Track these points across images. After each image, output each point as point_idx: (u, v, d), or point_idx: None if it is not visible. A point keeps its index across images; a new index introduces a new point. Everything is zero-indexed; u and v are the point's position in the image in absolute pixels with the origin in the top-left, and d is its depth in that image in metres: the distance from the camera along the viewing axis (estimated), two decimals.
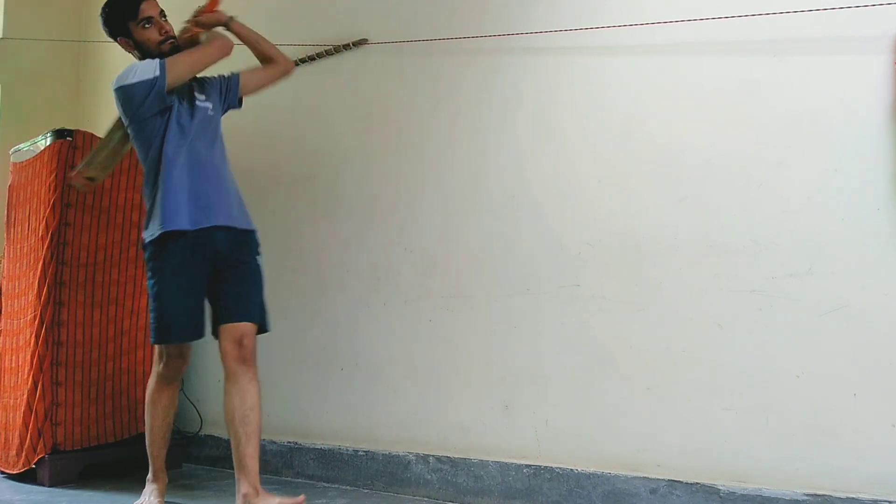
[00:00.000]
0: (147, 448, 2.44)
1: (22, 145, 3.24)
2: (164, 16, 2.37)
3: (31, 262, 2.97)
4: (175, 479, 2.91)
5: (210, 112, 2.38)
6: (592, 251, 2.37)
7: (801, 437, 1.99)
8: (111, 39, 2.40)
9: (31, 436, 2.80)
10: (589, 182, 2.40)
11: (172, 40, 2.34)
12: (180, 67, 2.26)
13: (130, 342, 3.10)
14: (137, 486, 2.52)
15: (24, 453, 2.83)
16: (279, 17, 3.27)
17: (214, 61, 2.36)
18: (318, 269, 3.03)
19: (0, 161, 3.62)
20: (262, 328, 2.33)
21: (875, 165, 1.96)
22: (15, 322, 3.04)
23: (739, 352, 2.10)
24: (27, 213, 3.08)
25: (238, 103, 2.54)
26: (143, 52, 2.34)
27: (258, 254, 2.38)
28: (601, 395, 2.31)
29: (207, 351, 3.37)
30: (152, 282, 2.25)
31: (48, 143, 3.01)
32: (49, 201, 2.92)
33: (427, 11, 2.82)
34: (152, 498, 2.39)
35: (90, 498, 2.60)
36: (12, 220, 3.20)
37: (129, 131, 2.35)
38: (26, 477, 2.86)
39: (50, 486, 2.77)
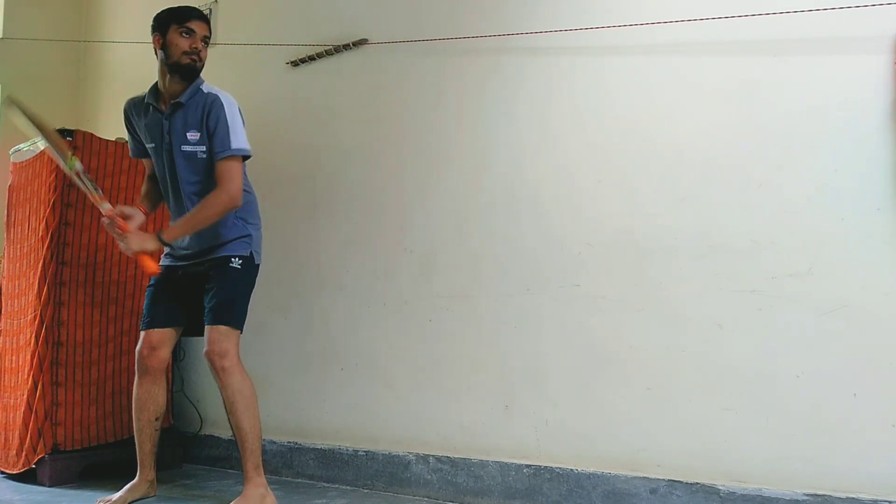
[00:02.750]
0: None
1: (22, 145, 3.24)
2: (207, 43, 2.45)
3: (32, 262, 2.97)
4: (175, 479, 2.91)
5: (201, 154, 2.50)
6: (592, 251, 2.37)
7: (801, 437, 1.99)
8: (151, 32, 2.49)
9: (31, 436, 2.80)
10: (589, 182, 2.40)
11: (195, 59, 2.41)
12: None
13: (130, 342, 3.09)
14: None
15: (24, 453, 2.82)
16: (279, 17, 3.27)
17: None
18: (318, 269, 3.03)
19: (0, 161, 3.62)
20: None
21: (875, 165, 1.96)
22: (15, 322, 3.04)
23: (739, 352, 2.10)
24: (27, 213, 3.08)
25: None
26: (167, 54, 2.42)
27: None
28: (601, 395, 2.31)
29: None
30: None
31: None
32: (49, 201, 2.92)
33: (427, 11, 2.82)
34: None
35: (90, 498, 2.60)
36: (12, 220, 3.20)
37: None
38: (26, 477, 2.86)
39: (50, 486, 2.77)
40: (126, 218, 2.37)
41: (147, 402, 2.49)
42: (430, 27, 2.79)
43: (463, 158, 2.68)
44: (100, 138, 3.08)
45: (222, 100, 2.39)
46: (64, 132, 2.98)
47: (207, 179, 2.39)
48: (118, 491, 2.50)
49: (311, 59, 3.09)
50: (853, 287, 1.96)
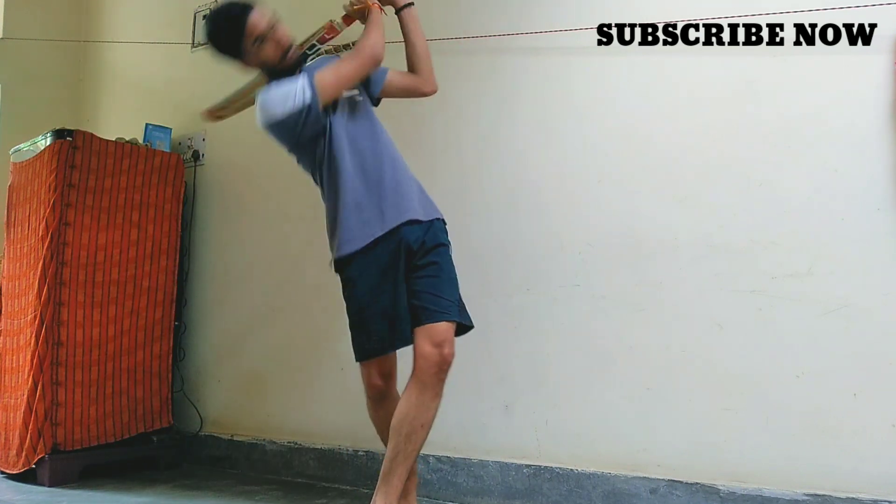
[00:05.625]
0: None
1: (22, 145, 3.24)
2: (278, 22, 2.02)
3: (31, 262, 2.97)
4: (175, 479, 2.91)
5: (358, 98, 2.08)
6: (592, 251, 2.36)
7: (801, 437, 1.99)
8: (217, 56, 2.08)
9: (31, 436, 2.80)
10: (589, 182, 2.40)
11: (290, 45, 2.01)
12: (329, 90, 1.95)
13: (130, 342, 3.10)
14: (137, 486, 2.53)
15: (24, 453, 2.82)
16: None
17: (365, 75, 2.05)
18: (318, 269, 3.02)
19: (0, 161, 3.62)
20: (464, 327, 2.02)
21: (875, 165, 1.96)
22: (15, 322, 3.04)
23: (739, 352, 2.10)
24: (27, 213, 3.08)
25: (376, 102, 2.20)
26: (267, 69, 2.03)
27: (446, 244, 2.05)
28: (601, 395, 2.31)
29: (208, 350, 3.37)
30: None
31: (48, 143, 3.01)
32: (49, 201, 2.92)
33: (427, 11, 2.81)
34: None
35: (90, 498, 2.60)
36: (12, 220, 3.20)
37: (292, 155, 2.12)
38: (26, 477, 2.86)
39: (50, 486, 2.77)
40: None
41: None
42: (430, 27, 2.77)
43: (463, 158, 2.68)
44: (100, 138, 3.08)
45: None
46: (64, 132, 2.99)
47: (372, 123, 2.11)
48: (119, 491, 2.50)
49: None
50: (853, 287, 1.96)
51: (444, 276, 1.98)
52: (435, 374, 1.92)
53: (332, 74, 1.98)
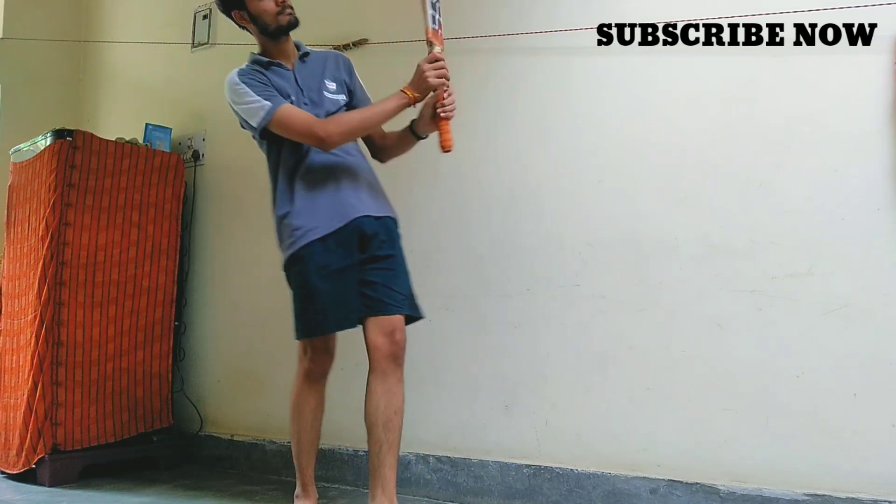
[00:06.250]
0: (294, 459, 2.23)
1: (22, 145, 3.24)
2: None
3: (32, 262, 2.97)
4: (175, 479, 2.91)
5: (342, 105, 2.18)
6: (592, 251, 2.36)
7: (801, 437, 1.99)
8: (226, 15, 2.17)
9: (31, 436, 2.80)
10: (589, 182, 2.40)
11: (290, 11, 2.09)
12: (287, 129, 2.01)
13: (130, 342, 3.10)
14: (137, 486, 2.53)
15: (24, 453, 2.82)
16: None
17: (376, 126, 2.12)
18: None
19: (0, 161, 3.62)
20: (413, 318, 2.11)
21: (875, 165, 1.96)
22: (15, 322, 3.04)
23: (739, 352, 2.10)
24: (27, 213, 3.08)
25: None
26: (261, 26, 2.11)
27: (398, 239, 2.16)
28: (601, 395, 2.31)
29: (208, 350, 3.37)
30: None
31: (48, 143, 3.01)
32: (49, 201, 2.92)
33: None
34: None
35: (90, 498, 2.60)
36: (12, 220, 3.20)
37: None
38: (26, 477, 2.86)
39: (50, 486, 2.77)
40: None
41: (319, 411, 2.28)
42: None
43: (463, 158, 2.68)
44: (100, 138, 3.08)
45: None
46: (64, 132, 2.99)
47: None
48: (119, 491, 2.50)
49: None
50: (853, 287, 1.96)
51: (398, 270, 2.08)
52: (391, 361, 2.03)
53: (305, 121, 2.01)
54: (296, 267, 2.07)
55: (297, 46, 2.20)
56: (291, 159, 2.09)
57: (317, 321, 2.04)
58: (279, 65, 2.14)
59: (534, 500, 2.35)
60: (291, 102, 2.05)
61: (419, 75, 2.01)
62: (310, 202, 2.04)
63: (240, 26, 2.18)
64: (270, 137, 2.08)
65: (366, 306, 2.04)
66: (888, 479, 1.87)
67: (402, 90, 2.02)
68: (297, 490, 2.25)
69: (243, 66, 2.13)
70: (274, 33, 2.12)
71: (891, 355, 1.90)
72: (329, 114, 2.09)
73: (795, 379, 2.01)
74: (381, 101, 2.04)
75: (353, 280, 2.03)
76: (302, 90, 2.11)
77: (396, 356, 2.03)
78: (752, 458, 2.04)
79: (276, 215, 2.11)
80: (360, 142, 2.24)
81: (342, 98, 2.17)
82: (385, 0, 2.94)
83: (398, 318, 2.04)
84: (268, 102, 2.00)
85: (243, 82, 2.04)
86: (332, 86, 2.16)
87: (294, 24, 2.12)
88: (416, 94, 2.01)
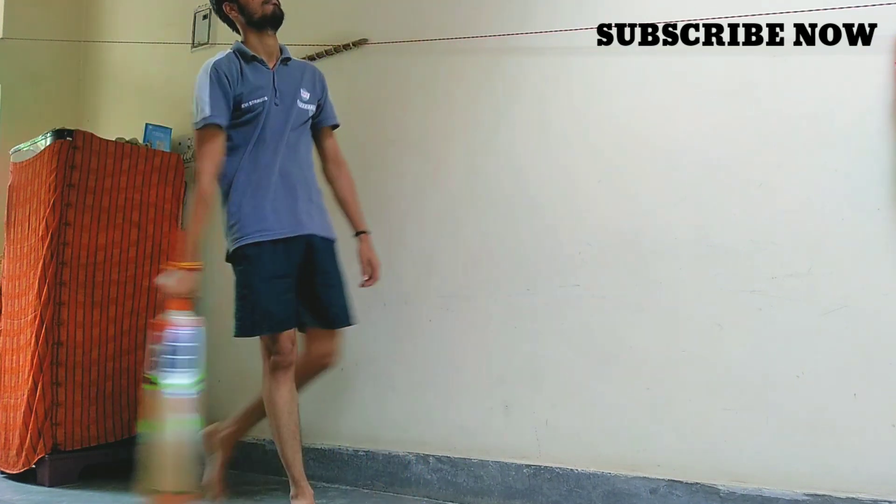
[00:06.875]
0: (280, 457, 2.23)
1: (22, 145, 3.24)
2: None
3: (32, 262, 2.98)
4: None
5: (310, 114, 2.35)
6: (592, 251, 2.36)
7: (801, 437, 1.99)
8: (217, 11, 2.32)
9: (31, 436, 2.80)
10: (589, 182, 2.40)
11: (276, 3, 2.24)
12: (198, 199, 2.17)
13: (130, 342, 3.10)
14: (137, 486, 2.51)
15: (24, 453, 2.83)
16: None
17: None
18: None
19: (0, 161, 3.62)
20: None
21: (875, 165, 1.96)
22: (15, 322, 3.04)
23: (739, 352, 2.10)
24: (27, 213, 3.09)
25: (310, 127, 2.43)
26: (246, 15, 2.24)
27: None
28: (601, 395, 2.31)
29: (207, 350, 3.37)
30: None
31: (48, 143, 3.02)
32: (49, 201, 2.92)
33: (427, 11, 2.82)
34: None
35: (90, 498, 2.60)
36: (12, 220, 3.20)
37: None
38: (26, 477, 2.86)
39: (50, 486, 2.77)
40: None
41: (294, 402, 2.26)
42: (430, 27, 2.79)
43: (463, 158, 2.68)
44: (100, 138, 3.08)
45: None
46: (64, 132, 2.99)
47: (308, 138, 2.35)
48: (119, 491, 2.50)
49: (311, 59, 3.08)
50: (853, 287, 1.96)
51: (341, 287, 2.30)
52: (327, 369, 2.30)
53: (208, 158, 2.16)
54: (242, 265, 2.19)
55: (282, 49, 2.31)
56: (258, 154, 2.20)
57: (254, 321, 2.15)
58: (261, 62, 2.24)
59: (534, 500, 2.35)
60: (264, 101, 2.18)
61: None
62: (267, 203, 2.17)
63: (228, 21, 2.31)
64: (236, 126, 2.18)
65: (315, 318, 2.25)
66: (888, 479, 1.87)
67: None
68: (292, 490, 2.25)
69: (227, 51, 2.24)
70: (258, 23, 2.23)
71: (891, 355, 1.90)
72: (296, 120, 2.24)
73: (795, 379, 2.01)
74: (196, 213, 2.16)
75: (294, 287, 2.20)
76: (276, 92, 2.22)
77: (334, 365, 2.33)
78: (752, 458, 2.04)
79: (230, 204, 2.20)
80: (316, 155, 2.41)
81: (311, 109, 2.31)
82: (385, 0, 2.94)
83: (340, 333, 2.30)
84: (209, 113, 2.13)
85: (212, 77, 2.16)
86: (306, 95, 2.29)
87: (278, 16, 2.25)
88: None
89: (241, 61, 2.21)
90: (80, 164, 2.98)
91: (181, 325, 2.01)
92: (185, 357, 1.99)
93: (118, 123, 3.88)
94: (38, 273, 2.88)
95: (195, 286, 2.09)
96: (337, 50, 3.01)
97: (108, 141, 3.11)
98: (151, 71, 3.87)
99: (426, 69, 2.79)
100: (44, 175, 2.99)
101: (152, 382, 1.97)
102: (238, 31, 2.34)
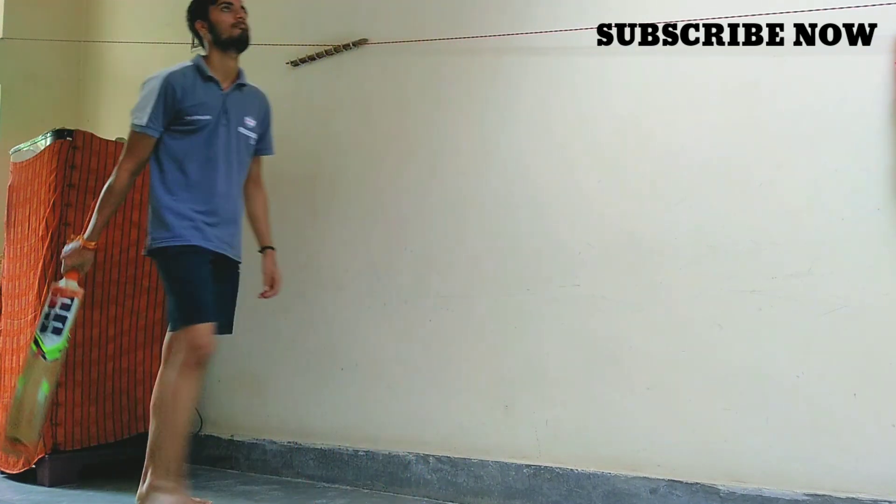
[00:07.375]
0: (165, 451, 2.23)
1: (22, 145, 3.24)
2: (244, 10, 2.40)
3: (32, 262, 2.97)
4: None
5: (252, 142, 2.47)
6: (592, 251, 2.37)
7: (801, 437, 1.99)
8: (190, 27, 2.41)
9: None
10: (589, 182, 2.40)
11: (244, 28, 2.36)
12: (129, 146, 2.32)
13: (130, 342, 3.10)
14: (137, 486, 2.50)
15: (24, 453, 2.82)
16: (279, 17, 3.27)
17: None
18: (318, 269, 3.03)
19: (0, 161, 3.62)
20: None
21: (875, 165, 1.96)
22: (15, 322, 3.04)
23: (739, 352, 2.10)
24: (27, 213, 3.08)
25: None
26: (215, 34, 2.35)
27: None
28: (601, 395, 2.31)
29: None
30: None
31: (48, 143, 3.01)
32: (49, 201, 2.92)
33: (427, 11, 2.82)
34: None
35: (90, 498, 2.60)
36: (12, 220, 3.20)
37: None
38: (26, 477, 2.86)
39: (50, 486, 2.77)
40: None
41: (195, 400, 2.35)
42: (430, 27, 2.79)
43: (463, 158, 2.68)
44: (100, 138, 3.08)
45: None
46: (64, 132, 2.99)
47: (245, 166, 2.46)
48: (119, 491, 2.50)
49: (312, 59, 3.09)
50: (853, 287, 1.96)
51: (234, 302, 2.46)
52: (198, 363, 2.27)
53: (131, 158, 2.31)
54: (180, 259, 2.26)
55: (239, 74, 2.40)
56: (203, 168, 2.30)
57: (197, 309, 2.23)
58: (216, 82, 2.34)
59: (534, 500, 2.35)
60: (209, 119, 2.29)
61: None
62: (204, 212, 2.28)
63: (197, 37, 2.41)
64: (181, 131, 2.28)
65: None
66: (888, 479, 1.87)
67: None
68: (166, 483, 2.21)
69: (187, 64, 2.35)
70: (224, 43, 2.35)
71: (891, 355, 1.90)
72: (238, 143, 2.36)
73: (795, 379, 2.01)
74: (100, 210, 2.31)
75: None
76: (224, 113, 2.32)
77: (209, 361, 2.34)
78: (752, 458, 2.04)
79: (168, 206, 2.27)
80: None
81: (253, 137, 2.43)
82: (385, 0, 2.94)
83: (218, 338, 2.35)
84: (146, 123, 2.25)
85: (161, 89, 2.26)
86: (250, 123, 2.41)
87: (244, 40, 2.36)
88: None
89: (197, 76, 2.32)
90: (80, 164, 2.97)
91: (64, 293, 2.24)
92: (55, 324, 2.25)
93: (118, 123, 3.87)
94: (38, 273, 2.88)
95: (85, 262, 2.30)
96: (337, 50, 3.02)
97: (108, 141, 3.11)
98: (151, 71, 3.86)
99: (426, 69, 2.80)
100: (44, 175, 2.99)
101: (36, 342, 2.24)
102: (204, 47, 2.42)
